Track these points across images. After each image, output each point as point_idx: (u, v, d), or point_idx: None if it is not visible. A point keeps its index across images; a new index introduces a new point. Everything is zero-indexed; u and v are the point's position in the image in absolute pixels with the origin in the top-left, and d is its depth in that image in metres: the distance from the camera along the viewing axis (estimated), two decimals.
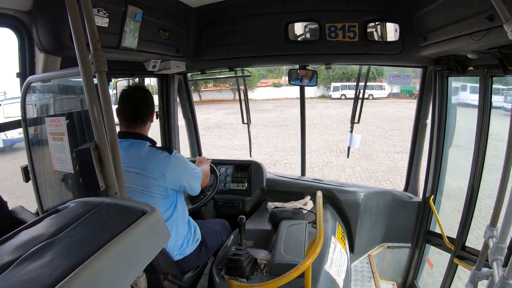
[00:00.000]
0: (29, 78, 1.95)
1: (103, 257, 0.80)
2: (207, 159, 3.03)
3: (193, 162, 2.65)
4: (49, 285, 0.70)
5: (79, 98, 1.85)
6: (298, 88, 3.75)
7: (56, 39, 2.04)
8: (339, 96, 33.99)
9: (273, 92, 37.23)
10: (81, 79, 1.21)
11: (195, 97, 32.89)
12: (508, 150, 1.62)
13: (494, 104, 2.76)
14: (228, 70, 3.77)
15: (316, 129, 19.57)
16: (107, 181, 1.22)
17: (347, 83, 33.21)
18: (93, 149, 1.20)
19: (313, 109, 27.80)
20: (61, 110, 1.91)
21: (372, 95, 30.31)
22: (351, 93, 28.87)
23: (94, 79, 1.24)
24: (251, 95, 34.43)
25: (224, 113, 28.10)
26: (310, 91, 34.74)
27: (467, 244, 2.99)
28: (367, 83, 3.82)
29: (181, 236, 2.38)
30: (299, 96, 3.99)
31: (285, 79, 36.01)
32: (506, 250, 1.62)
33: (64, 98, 1.95)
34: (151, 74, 3.48)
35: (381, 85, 32.22)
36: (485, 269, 1.90)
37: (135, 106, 2.27)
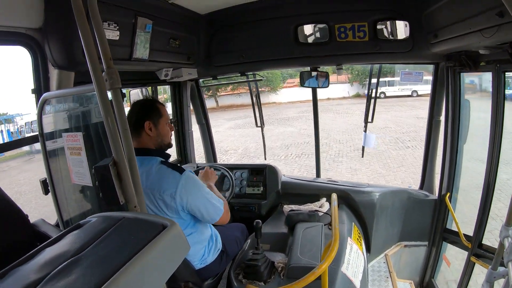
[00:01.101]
0: (45, 95, 1.98)
1: (128, 273, 0.83)
2: (211, 171, 2.87)
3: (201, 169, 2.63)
4: None
5: (94, 110, 1.87)
6: (327, 88, 3.71)
7: (68, 55, 2.08)
8: (378, 95, 28.71)
9: (299, 93, 31.87)
10: (94, 93, 1.24)
11: (211, 103, 32.09)
12: None
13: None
14: (239, 75, 3.79)
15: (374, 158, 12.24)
16: (126, 196, 1.25)
17: (387, 79, 26.71)
18: (111, 166, 1.23)
19: (349, 114, 23.61)
20: (77, 124, 1.95)
21: (384, 93, 26.36)
22: (391, 91, 27.06)
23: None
24: (275, 97, 32.94)
25: (233, 125, 23.33)
26: (343, 90, 31.96)
27: (484, 242, 2.97)
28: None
29: (203, 247, 2.38)
30: (312, 97, 3.97)
31: None
32: None
33: (79, 112, 1.98)
34: (163, 83, 3.52)
35: (393, 81, 27.25)
36: (501, 268, 1.88)
37: (130, 118, 2.20)
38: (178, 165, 2.28)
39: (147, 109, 2.26)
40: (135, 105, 2.31)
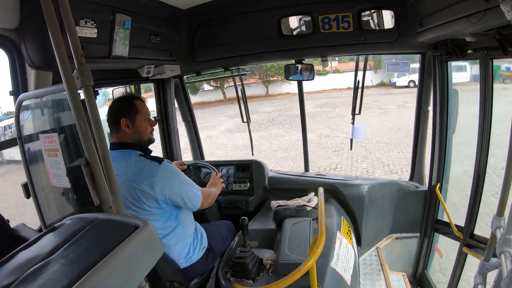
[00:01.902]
0: (21, 96, 1.94)
1: (96, 275, 0.80)
2: (221, 180, 2.93)
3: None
4: None
5: (70, 112, 1.83)
6: (347, 75, 3.62)
7: (45, 54, 2.02)
8: (406, 84, 25.42)
9: (316, 82, 26.98)
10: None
11: (219, 95, 31.36)
12: None
13: None
14: (223, 70, 3.75)
15: None
16: (100, 196, 1.21)
17: (417, 65, 12.65)
18: (83, 166, 1.18)
19: (382, 110, 18.56)
20: (54, 125, 1.91)
21: (414, 81, 22.01)
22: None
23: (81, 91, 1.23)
24: (288, 87, 30.07)
25: (231, 126, 18.77)
26: (366, 79, 27.19)
27: (475, 232, 2.96)
28: None
29: (187, 244, 2.35)
30: (298, 91, 3.91)
31: (331, 64, 29.25)
32: None
33: (55, 113, 1.94)
34: (146, 80, 3.47)
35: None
36: (494, 259, 1.86)
37: (108, 115, 2.23)
38: (158, 156, 2.23)
39: (124, 106, 2.24)
40: (113, 102, 2.31)
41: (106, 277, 0.82)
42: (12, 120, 2.31)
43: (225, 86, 30.92)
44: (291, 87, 28.93)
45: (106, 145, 1.25)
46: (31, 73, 2.10)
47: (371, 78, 27.12)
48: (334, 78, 30.18)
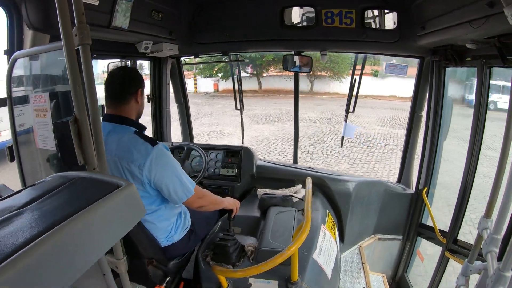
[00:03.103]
0: (15, 53, 1.91)
1: (69, 228, 0.78)
2: (237, 203, 2.63)
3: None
4: (5, 255, 0.67)
5: (64, 72, 1.80)
6: (406, 81, 3.56)
7: (44, 15, 1.99)
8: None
9: (374, 84, 23.23)
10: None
11: (253, 84, 28.59)
12: (504, 141, 1.59)
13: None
14: (221, 54, 3.73)
15: None
16: (85, 156, 1.19)
17: (501, 83, 8.39)
18: (71, 122, 1.16)
19: None
20: (46, 86, 1.87)
21: (495, 102, 7.64)
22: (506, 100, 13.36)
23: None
24: (337, 87, 25.74)
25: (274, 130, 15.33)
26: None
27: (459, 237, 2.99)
28: None
29: (170, 223, 2.30)
30: (294, 83, 3.96)
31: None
32: (501, 241, 1.59)
33: (48, 74, 1.91)
34: (143, 57, 3.42)
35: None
36: (477, 262, 1.88)
37: (118, 84, 2.12)
38: (153, 138, 2.17)
39: (139, 77, 2.21)
40: (124, 70, 2.25)
41: (80, 230, 0.80)
42: None
43: (263, 75, 28.50)
44: (341, 86, 25.03)
45: (97, 105, 1.23)
46: (28, 34, 2.06)
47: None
48: (393, 81, 23.58)
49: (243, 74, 27.79)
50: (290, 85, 23.08)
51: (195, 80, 30.51)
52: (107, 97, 2.15)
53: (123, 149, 2.03)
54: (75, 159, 1.19)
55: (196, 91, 30.33)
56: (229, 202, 2.52)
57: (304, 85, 25.49)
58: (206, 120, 17.92)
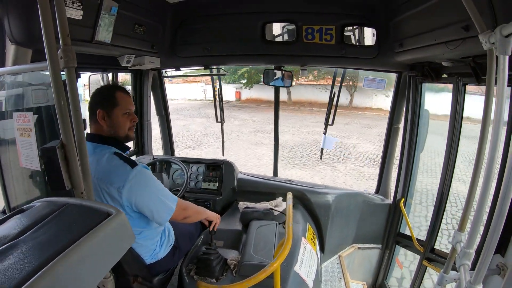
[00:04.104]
0: None
1: (66, 260, 0.80)
2: (218, 217, 2.60)
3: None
4: None
5: (47, 91, 1.79)
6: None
7: (27, 30, 1.96)
8: None
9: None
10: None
11: (283, 95, 23.82)
12: (477, 156, 1.66)
13: None
14: (203, 68, 3.75)
15: None
16: (73, 181, 1.20)
17: None
18: (59, 148, 1.17)
19: None
20: (30, 104, 1.86)
21: None
22: None
23: (63, 73, 1.21)
24: (380, 102, 21.97)
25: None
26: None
27: (436, 246, 3.07)
28: None
29: (155, 242, 2.29)
30: (274, 97, 3.99)
31: None
32: (474, 255, 1.66)
33: (33, 92, 1.89)
34: (125, 69, 3.41)
35: None
36: (453, 273, 1.95)
37: (88, 105, 2.11)
38: (132, 158, 2.13)
39: (102, 97, 2.13)
40: (95, 91, 2.20)
41: (76, 262, 0.82)
42: None
43: (293, 84, 24.14)
44: (385, 101, 20.70)
45: (83, 129, 1.25)
46: (10, 48, 2.02)
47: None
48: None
49: None
50: (325, 97, 17.31)
51: (216, 86, 27.59)
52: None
53: (102, 170, 1.97)
54: (62, 183, 1.20)
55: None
56: (212, 214, 2.53)
57: (343, 98, 20.52)
58: (211, 149, 14.21)
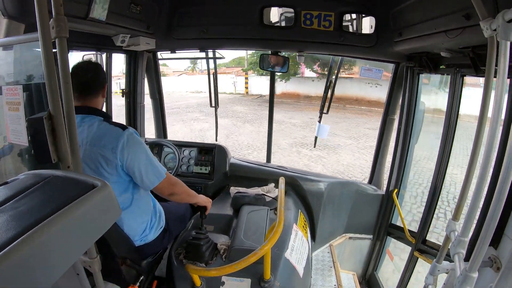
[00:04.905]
0: None
1: (47, 229, 0.77)
2: (209, 200, 2.61)
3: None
4: None
5: (38, 67, 1.76)
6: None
7: (20, 3, 1.94)
8: None
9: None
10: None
11: (321, 87, 21.90)
12: (474, 145, 1.65)
13: None
14: (199, 51, 3.71)
15: None
16: (60, 154, 1.17)
17: None
18: (46, 119, 1.14)
19: None
20: (20, 78, 1.82)
21: None
22: None
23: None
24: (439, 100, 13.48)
25: None
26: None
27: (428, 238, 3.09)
28: None
29: (144, 222, 2.27)
30: (269, 82, 3.95)
31: None
32: (468, 244, 1.66)
33: (22, 64, 1.86)
34: (119, 50, 3.35)
35: None
36: (445, 263, 1.95)
37: (87, 79, 2.11)
38: (122, 123, 2.16)
39: (103, 73, 2.23)
40: (94, 65, 2.24)
41: (57, 233, 0.79)
42: None
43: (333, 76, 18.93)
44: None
45: (72, 101, 1.22)
46: (2, 22, 1.99)
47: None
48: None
49: (310, 73, 23.75)
50: (375, 93, 18.60)
51: (246, 78, 25.10)
52: (74, 90, 2.11)
53: (94, 136, 2.02)
54: (49, 156, 1.17)
55: (247, 93, 24.94)
56: (203, 199, 2.52)
57: (379, 93, 18.66)
58: None
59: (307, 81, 23.15)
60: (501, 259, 1.58)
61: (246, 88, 25.00)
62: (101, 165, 2.01)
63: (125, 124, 3.80)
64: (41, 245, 0.75)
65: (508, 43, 1.30)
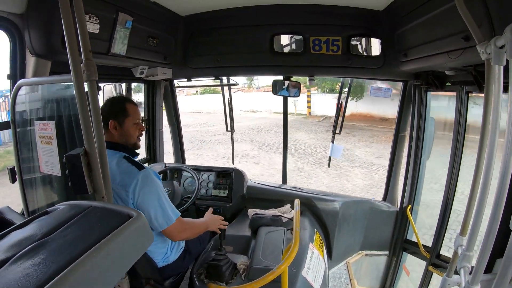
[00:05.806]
0: (20, 81, 1.98)
1: (93, 257, 0.85)
2: (221, 219, 2.68)
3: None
4: (43, 281, 0.75)
5: (68, 101, 1.88)
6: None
7: (47, 43, 2.07)
8: None
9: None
10: (70, 83, 1.26)
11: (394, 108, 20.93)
12: (477, 162, 1.70)
13: None
14: (214, 79, 3.85)
15: None
16: (94, 186, 1.28)
17: None
18: (82, 155, 1.26)
19: None
20: (51, 113, 1.95)
21: None
22: None
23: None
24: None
25: None
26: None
27: (442, 252, 3.11)
28: None
29: (166, 245, 2.38)
30: (283, 106, 4.03)
31: None
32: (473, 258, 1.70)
33: (54, 102, 1.98)
34: (138, 80, 3.54)
35: None
36: (455, 276, 1.98)
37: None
38: (141, 163, 2.23)
39: (114, 108, 2.26)
40: (106, 101, 2.32)
41: (101, 260, 0.88)
42: None
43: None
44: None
45: (103, 138, 1.33)
46: (30, 60, 2.13)
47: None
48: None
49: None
50: (383, 107, 16.62)
51: (309, 95, 21.32)
52: None
53: (112, 173, 2.00)
54: (85, 188, 1.28)
55: (309, 113, 21.41)
56: (210, 223, 2.57)
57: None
58: None
59: (376, 99, 16.45)
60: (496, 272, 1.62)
61: (309, 107, 21.63)
62: (117, 203, 2.10)
63: (145, 150, 3.98)
64: (89, 270, 0.84)
65: (502, 67, 1.38)
